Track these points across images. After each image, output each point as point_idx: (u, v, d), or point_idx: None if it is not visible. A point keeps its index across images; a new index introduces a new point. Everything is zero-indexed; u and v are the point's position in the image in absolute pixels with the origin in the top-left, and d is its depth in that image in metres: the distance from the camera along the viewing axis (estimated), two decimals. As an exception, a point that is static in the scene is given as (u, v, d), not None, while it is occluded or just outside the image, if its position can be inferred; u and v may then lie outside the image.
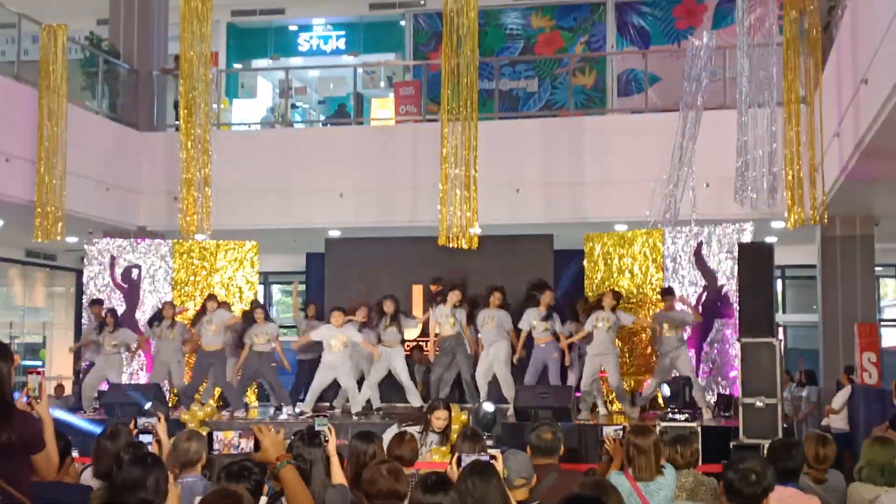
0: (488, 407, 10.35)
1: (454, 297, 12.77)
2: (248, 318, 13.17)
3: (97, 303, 13.95)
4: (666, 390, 11.94)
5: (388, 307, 12.82)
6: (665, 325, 12.24)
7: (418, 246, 14.29)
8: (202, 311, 13.42)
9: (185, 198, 13.50)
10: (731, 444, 10.11)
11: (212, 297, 13.48)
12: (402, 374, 12.79)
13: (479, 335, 12.75)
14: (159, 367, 13.42)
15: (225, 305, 13.71)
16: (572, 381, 12.62)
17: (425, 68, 18.29)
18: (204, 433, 7.35)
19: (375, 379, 12.88)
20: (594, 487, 4.43)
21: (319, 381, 12.58)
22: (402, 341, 13.14)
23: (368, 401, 12.78)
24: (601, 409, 12.47)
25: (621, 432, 6.17)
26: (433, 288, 13.22)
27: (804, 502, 5.30)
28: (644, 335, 13.31)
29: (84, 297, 14.55)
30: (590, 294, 13.56)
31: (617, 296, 12.57)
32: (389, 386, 13.11)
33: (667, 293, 12.46)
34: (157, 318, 13.47)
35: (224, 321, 13.13)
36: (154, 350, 13.74)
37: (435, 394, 12.65)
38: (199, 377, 13.34)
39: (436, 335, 13.53)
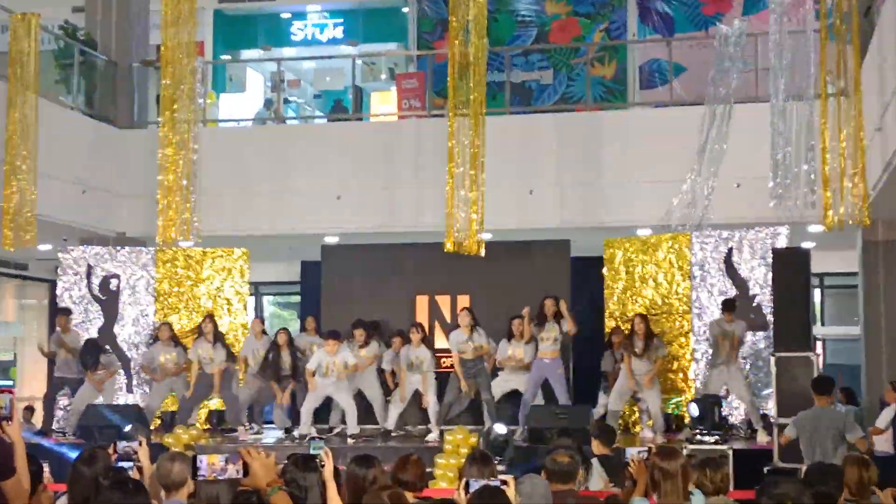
0: (500, 429, 10.30)
1: (466, 319, 12.87)
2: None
3: (64, 312, 13.88)
4: (694, 410, 11.90)
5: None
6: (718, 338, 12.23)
7: (422, 253, 14.28)
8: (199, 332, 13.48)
9: (167, 201, 13.47)
10: (765, 468, 10.08)
11: (209, 316, 13.58)
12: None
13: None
14: (160, 388, 13.51)
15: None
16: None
17: (430, 59, 18.30)
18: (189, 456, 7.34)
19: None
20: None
21: (311, 402, 12.74)
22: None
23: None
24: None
25: (646, 454, 6.16)
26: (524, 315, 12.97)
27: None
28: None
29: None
30: (613, 307, 13.64)
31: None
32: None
33: (727, 307, 12.33)
34: (154, 339, 13.65)
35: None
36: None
37: (445, 416, 12.83)
38: (201, 395, 13.45)
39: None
